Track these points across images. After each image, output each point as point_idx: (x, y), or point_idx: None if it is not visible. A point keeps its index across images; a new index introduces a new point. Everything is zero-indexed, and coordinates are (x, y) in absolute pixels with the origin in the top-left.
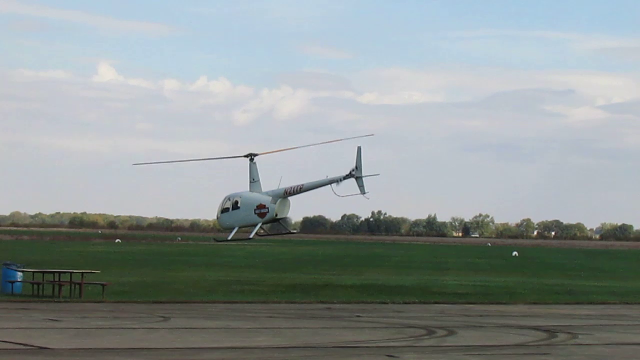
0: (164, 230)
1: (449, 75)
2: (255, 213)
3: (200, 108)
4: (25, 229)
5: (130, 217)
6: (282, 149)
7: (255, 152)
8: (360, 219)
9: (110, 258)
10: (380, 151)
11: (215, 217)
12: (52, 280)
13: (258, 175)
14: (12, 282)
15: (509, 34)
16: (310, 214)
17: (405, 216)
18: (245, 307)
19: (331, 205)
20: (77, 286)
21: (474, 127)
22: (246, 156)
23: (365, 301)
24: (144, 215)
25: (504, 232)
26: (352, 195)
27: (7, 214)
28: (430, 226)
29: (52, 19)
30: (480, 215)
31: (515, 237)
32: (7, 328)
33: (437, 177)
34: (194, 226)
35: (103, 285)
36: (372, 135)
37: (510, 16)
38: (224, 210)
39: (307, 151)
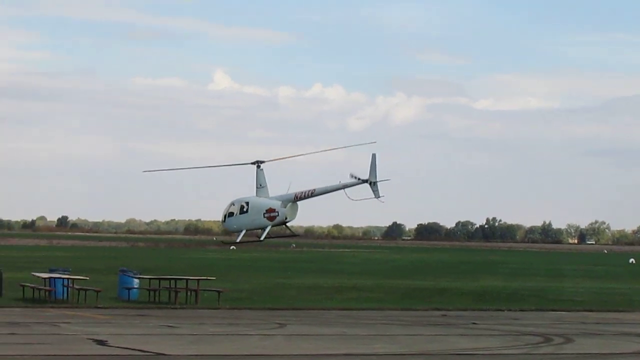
0: (279, 237)
1: (565, 80)
2: (264, 216)
3: (315, 115)
4: (140, 235)
5: None
6: (290, 155)
7: (262, 160)
8: (475, 226)
9: (226, 265)
10: (494, 157)
11: (221, 221)
12: (168, 287)
13: (265, 181)
14: (129, 289)
15: (627, 38)
16: (425, 221)
17: (520, 223)
18: (360, 314)
19: (445, 212)
20: (193, 293)
21: (590, 132)
22: (253, 163)
23: (481, 308)
24: None
25: (621, 238)
26: (366, 199)
27: (123, 220)
28: (546, 233)
29: (168, 27)
30: (596, 221)
31: (632, 244)
32: (124, 334)
33: (553, 183)
34: (308, 233)
35: (219, 292)
36: (375, 142)
37: (628, 20)
38: (231, 214)
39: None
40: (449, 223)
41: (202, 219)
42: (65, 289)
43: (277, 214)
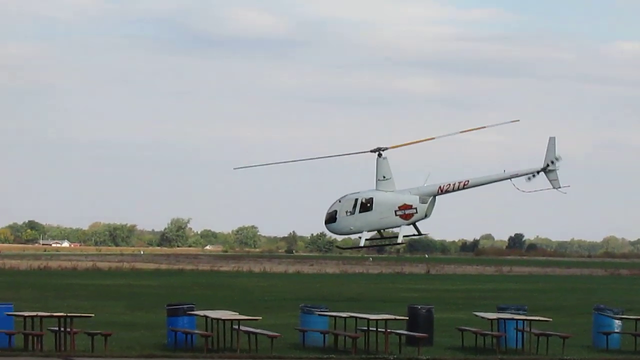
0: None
1: None
2: (396, 214)
3: None
4: (624, 260)
5: None
6: (416, 140)
7: (383, 146)
8: None
9: None
10: None
11: (324, 222)
12: None
13: (390, 172)
14: (607, 334)
15: None
16: None
17: None
18: None
19: None
20: None
21: None
22: (373, 151)
23: None
24: None
25: None
26: (542, 190)
27: (599, 240)
28: None
29: None
30: None
31: None
32: None
33: None
34: None
35: None
36: (518, 120)
37: None
38: (340, 213)
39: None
40: None
41: None
42: (519, 334)
43: (414, 210)
